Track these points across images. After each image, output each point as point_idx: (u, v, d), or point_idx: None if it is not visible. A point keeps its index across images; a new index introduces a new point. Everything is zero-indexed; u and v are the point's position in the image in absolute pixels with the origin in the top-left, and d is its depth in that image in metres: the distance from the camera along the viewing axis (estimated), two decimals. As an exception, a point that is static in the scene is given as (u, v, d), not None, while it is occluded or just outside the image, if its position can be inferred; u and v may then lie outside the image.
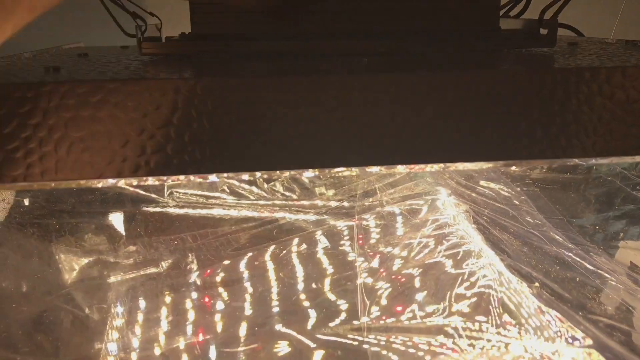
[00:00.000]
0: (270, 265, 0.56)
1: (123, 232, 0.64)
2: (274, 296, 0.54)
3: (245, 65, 0.36)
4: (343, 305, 0.49)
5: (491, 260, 0.44)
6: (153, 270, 0.68)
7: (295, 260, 0.56)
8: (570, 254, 0.47)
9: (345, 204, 0.55)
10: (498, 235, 0.47)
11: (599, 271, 0.46)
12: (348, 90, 0.30)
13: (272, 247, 0.54)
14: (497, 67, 0.34)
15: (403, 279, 0.46)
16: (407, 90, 0.30)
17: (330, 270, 0.52)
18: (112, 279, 0.68)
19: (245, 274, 0.55)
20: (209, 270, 0.56)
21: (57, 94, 0.28)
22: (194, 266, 0.61)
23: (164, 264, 0.67)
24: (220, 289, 0.55)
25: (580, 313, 0.42)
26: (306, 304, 0.52)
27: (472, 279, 0.43)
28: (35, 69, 0.34)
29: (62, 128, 0.28)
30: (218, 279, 0.55)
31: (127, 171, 0.29)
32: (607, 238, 0.68)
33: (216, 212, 0.61)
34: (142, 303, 0.60)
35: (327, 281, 0.53)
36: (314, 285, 0.53)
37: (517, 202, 0.56)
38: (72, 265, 0.67)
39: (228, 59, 0.38)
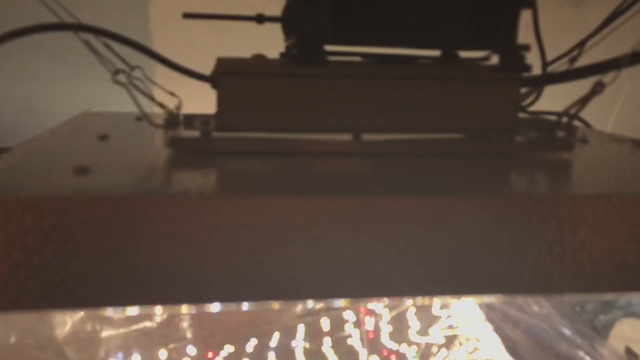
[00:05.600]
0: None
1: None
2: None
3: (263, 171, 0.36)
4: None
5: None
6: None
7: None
8: (580, 353, 0.47)
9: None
10: (512, 335, 0.47)
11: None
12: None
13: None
14: (515, 185, 0.34)
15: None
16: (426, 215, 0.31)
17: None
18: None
19: None
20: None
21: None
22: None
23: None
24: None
25: None
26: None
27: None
28: (62, 166, 0.34)
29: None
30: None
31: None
32: (600, 309, 0.68)
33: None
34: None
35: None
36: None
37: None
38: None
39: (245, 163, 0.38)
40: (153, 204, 0.29)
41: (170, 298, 0.30)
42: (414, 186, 0.33)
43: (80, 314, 0.66)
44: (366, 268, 0.31)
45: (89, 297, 0.29)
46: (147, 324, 0.69)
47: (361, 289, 0.31)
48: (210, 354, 0.57)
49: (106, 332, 0.68)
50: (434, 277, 0.31)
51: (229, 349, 0.57)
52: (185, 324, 0.61)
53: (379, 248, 0.31)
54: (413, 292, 0.32)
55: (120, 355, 0.65)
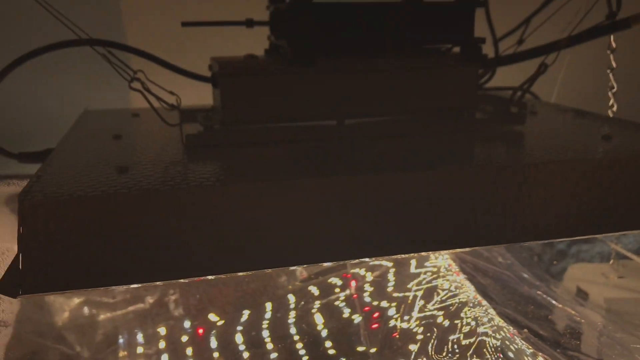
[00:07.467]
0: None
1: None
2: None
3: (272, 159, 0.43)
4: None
5: (485, 309, 0.52)
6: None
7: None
8: (539, 292, 0.56)
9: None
10: (483, 281, 0.55)
11: (563, 307, 0.56)
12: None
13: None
14: (476, 159, 0.42)
15: (399, 334, 0.53)
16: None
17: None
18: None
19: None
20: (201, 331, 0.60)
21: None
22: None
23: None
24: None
25: (557, 350, 0.50)
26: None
27: (470, 329, 0.51)
28: (103, 167, 0.40)
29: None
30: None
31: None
32: (555, 257, 0.78)
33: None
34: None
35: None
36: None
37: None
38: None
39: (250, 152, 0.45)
40: (186, 194, 0.35)
41: (189, 271, 0.36)
42: (392, 164, 0.40)
43: (76, 300, 0.71)
44: (355, 234, 0.38)
45: (127, 274, 0.35)
46: (140, 305, 0.74)
47: (351, 251, 0.38)
48: (201, 330, 0.62)
49: (103, 315, 0.73)
50: (415, 237, 0.39)
51: (220, 322, 0.62)
52: (174, 305, 0.66)
53: (366, 216, 0.38)
54: (398, 251, 0.39)
55: (125, 334, 0.69)
